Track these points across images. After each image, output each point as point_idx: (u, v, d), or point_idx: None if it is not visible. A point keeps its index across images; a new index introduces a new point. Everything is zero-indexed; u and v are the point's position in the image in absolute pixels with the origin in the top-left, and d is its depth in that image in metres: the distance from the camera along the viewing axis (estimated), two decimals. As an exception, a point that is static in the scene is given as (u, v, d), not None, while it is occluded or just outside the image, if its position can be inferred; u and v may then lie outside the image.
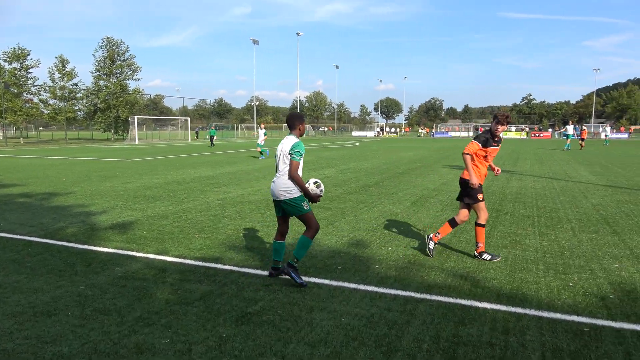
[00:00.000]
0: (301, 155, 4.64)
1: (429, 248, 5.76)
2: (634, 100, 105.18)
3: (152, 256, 5.78)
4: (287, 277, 4.86)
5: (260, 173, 15.51)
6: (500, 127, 5.58)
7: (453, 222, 5.82)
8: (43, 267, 5.35)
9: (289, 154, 4.67)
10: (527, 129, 78.22)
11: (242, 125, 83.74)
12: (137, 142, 44.37)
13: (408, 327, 3.78)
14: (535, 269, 5.31)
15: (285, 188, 4.69)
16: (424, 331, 3.72)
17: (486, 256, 5.61)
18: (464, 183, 5.67)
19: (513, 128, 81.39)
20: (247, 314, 4.04)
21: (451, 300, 4.36)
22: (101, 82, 53.44)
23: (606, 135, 42.38)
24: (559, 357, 3.33)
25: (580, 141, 30.84)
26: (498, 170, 5.94)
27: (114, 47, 53.60)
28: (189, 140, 51.02)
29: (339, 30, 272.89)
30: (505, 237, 6.78)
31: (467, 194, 5.65)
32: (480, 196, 5.57)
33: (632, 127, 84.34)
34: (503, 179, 13.90)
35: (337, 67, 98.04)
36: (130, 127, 48.04)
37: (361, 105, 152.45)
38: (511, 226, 7.48)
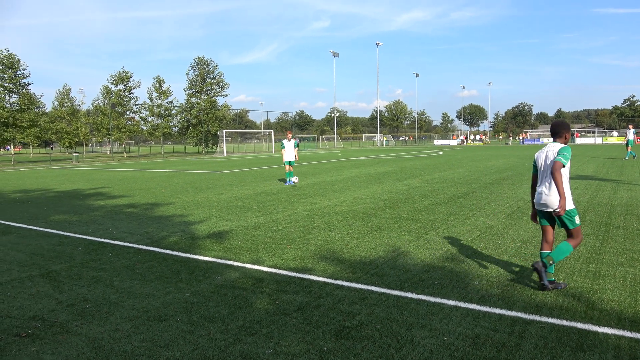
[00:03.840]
0: (567, 159, 4.59)
1: None
2: None
3: (248, 266, 5.98)
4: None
5: (344, 184, 15.58)
6: None
7: None
8: (152, 273, 5.75)
9: (557, 156, 4.61)
10: (631, 134, 71.09)
11: (323, 136, 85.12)
12: (225, 155, 46.77)
13: (519, 351, 3.52)
14: (662, 291, 4.73)
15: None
16: (538, 356, 3.44)
17: None
18: None
19: (615, 133, 74.50)
20: (345, 327, 4.01)
21: (565, 323, 4.01)
22: (193, 99, 57.27)
23: None
24: None
25: None
26: None
27: (204, 66, 57.28)
28: (273, 152, 52.73)
29: (419, 38, 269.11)
30: (619, 254, 6.14)
31: None
32: None
33: None
34: (609, 188, 12.70)
35: (417, 75, 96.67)
36: (219, 140, 50.84)
37: (443, 113, 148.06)
38: (625, 242, 6.77)
